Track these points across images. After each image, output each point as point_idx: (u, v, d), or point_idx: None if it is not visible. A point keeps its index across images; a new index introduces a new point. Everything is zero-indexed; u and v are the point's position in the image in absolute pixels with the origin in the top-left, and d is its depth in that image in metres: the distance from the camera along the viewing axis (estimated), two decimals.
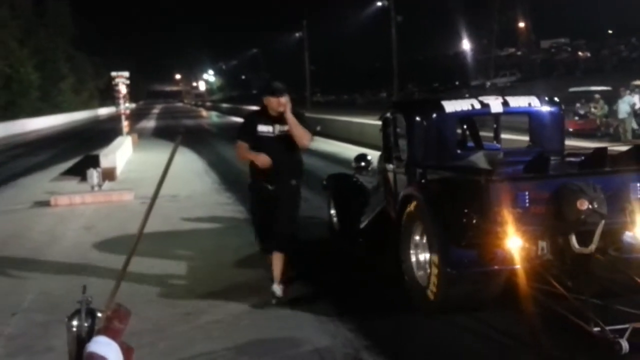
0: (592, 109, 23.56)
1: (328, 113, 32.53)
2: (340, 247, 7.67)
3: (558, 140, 6.43)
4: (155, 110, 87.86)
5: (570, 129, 22.57)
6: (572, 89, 28.40)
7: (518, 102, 6.42)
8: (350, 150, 16.78)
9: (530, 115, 6.43)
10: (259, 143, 5.80)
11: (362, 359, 4.59)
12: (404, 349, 4.80)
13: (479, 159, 5.67)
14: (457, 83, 62.49)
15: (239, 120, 46.45)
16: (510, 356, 4.64)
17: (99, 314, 4.15)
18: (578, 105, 24.17)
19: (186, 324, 5.37)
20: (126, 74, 24.29)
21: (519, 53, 71.01)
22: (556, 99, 6.67)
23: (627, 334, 4.27)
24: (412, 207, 5.55)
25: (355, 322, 5.25)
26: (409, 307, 5.48)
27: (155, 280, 6.62)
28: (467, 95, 6.73)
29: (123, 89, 24.03)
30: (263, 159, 5.70)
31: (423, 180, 5.87)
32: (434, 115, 6.18)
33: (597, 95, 24.12)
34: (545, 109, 6.41)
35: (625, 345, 4.18)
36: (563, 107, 6.64)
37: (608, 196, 4.87)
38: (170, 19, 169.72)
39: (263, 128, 5.83)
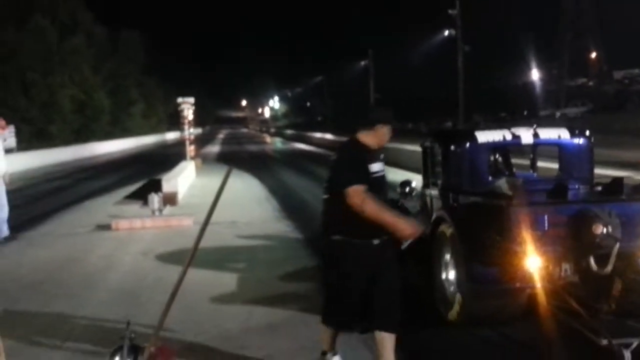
0: None
1: (392, 142, 32.14)
2: None
3: (587, 169, 6.75)
4: (221, 136, 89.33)
5: None
6: None
7: (548, 134, 6.76)
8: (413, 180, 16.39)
9: (559, 146, 6.79)
10: (371, 189, 4.46)
11: None
12: None
13: (502, 185, 5.92)
14: (525, 113, 61.20)
15: (302, 146, 47.00)
16: None
17: (143, 351, 3.93)
18: None
19: None
20: (191, 100, 24.44)
21: (590, 84, 69.31)
22: (587, 131, 6.91)
23: (632, 347, 4.62)
24: (442, 228, 6.00)
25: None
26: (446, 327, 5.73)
27: (207, 312, 6.42)
28: (535, 126, 6.91)
29: (189, 115, 24.24)
30: (412, 228, 4.44)
31: (454, 204, 6.38)
32: (467, 144, 6.60)
33: None
34: (575, 140, 6.75)
35: (628, 356, 4.55)
36: (592, 139, 6.84)
37: (623, 222, 5.21)
38: (239, 45, 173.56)
39: (375, 167, 4.54)
